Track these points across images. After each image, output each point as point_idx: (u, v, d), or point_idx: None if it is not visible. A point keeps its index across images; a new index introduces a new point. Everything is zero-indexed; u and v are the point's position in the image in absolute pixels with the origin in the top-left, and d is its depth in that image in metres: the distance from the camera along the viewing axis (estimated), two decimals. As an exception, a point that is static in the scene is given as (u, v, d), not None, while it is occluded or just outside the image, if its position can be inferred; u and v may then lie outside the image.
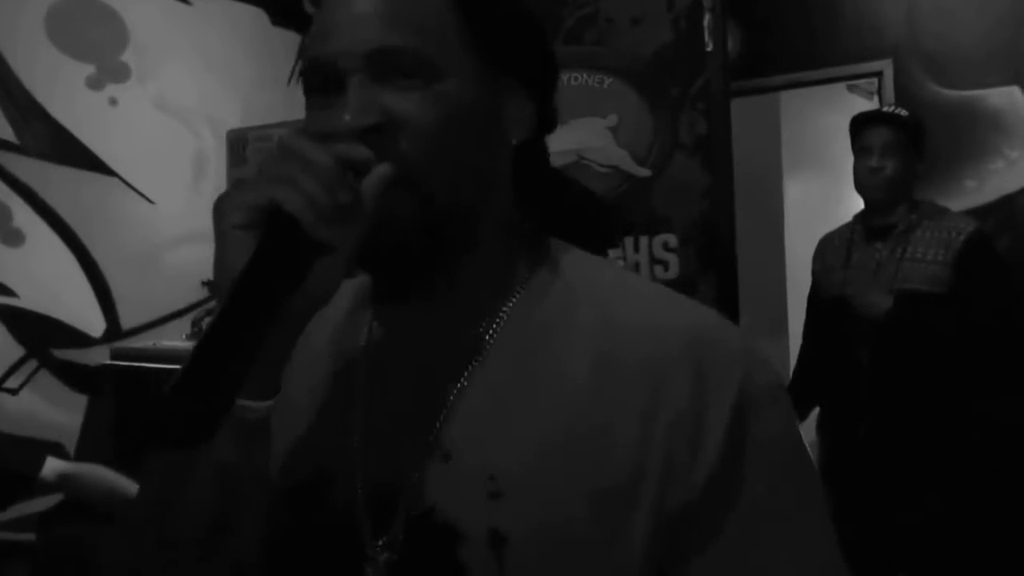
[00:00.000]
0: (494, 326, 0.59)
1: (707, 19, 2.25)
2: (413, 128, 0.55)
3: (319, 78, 0.58)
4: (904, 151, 2.09)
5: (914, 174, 2.12)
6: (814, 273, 2.32)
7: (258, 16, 2.75)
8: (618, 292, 0.61)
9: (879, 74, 2.91)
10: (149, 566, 0.57)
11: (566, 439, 0.55)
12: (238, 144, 2.06)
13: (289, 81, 2.76)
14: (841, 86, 3.38)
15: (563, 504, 0.54)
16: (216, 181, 2.40)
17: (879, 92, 2.93)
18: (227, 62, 2.64)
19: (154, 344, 2.19)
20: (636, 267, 2.11)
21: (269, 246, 0.51)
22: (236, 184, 0.55)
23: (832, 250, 2.26)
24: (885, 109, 2.15)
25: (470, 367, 0.59)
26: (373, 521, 0.58)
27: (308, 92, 0.59)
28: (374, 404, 0.61)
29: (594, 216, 0.70)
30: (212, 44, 2.63)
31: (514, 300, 0.60)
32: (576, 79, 2.48)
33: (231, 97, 2.60)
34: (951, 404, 1.98)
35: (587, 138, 2.77)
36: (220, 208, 0.53)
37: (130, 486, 1.42)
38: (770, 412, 0.56)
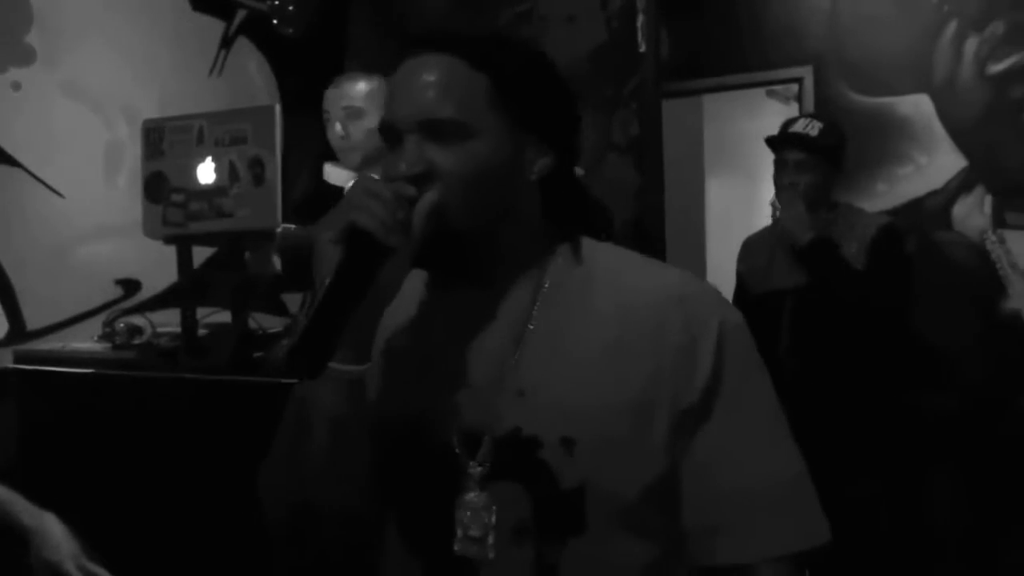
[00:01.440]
0: (537, 303, 0.82)
1: (640, 20, 2.28)
2: (448, 176, 0.78)
3: (388, 133, 0.82)
4: (817, 167, 2.15)
5: (831, 183, 2.19)
6: (739, 274, 2.38)
7: (177, 1, 2.62)
8: (625, 264, 0.86)
9: (800, 80, 3.01)
10: (290, 495, 0.83)
11: (604, 367, 0.79)
12: (154, 135, 1.94)
13: (211, 71, 2.65)
14: (761, 91, 3.49)
15: (609, 412, 0.77)
16: (131, 173, 2.26)
17: (799, 98, 3.04)
18: (143, 48, 2.50)
19: (63, 346, 2.06)
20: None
21: (352, 252, 0.74)
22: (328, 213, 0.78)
23: (756, 251, 2.32)
24: (795, 129, 2.19)
25: (524, 332, 0.81)
26: (464, 448, 0.79)
27: (385, 140, 0.84)
28: (454, 362, 0.82)
29: (599, 217, 0.93)
30: (127, 28, 2.48)
31: (549, 281, 0.83)
32: (509, 76, 2.50)
33: (147, 85, 2.46)
34: (867, 393, 2.06)
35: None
36: (315, 230, 0.78)
37: (28, 514, 1.32)
38: (739, 339, 0.82)
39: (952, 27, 2.89)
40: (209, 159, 1.92)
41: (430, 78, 0.79)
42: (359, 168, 2.17)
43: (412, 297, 0.86)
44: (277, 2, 2.52)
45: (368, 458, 0.82)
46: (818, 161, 2.15)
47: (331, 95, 2.16)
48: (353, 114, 2.12)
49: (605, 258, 0.86)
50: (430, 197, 0.77)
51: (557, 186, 0.84)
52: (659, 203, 2.31)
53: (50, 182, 2.34)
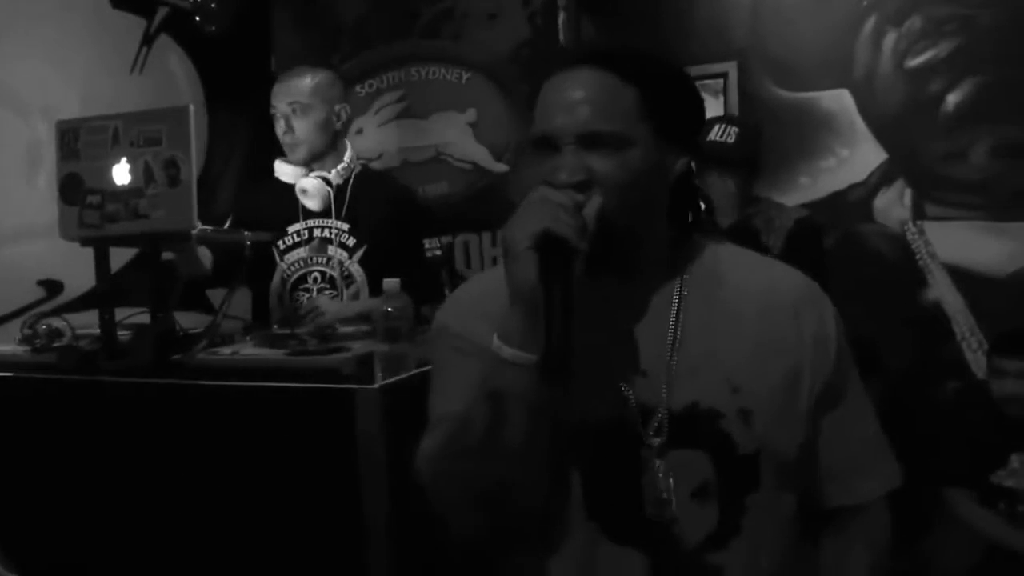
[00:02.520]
0: (680, 290, 0.95)
1: (561, 17, 2.30)
2: (607, 182, 0.88)
3: (543, 144, 0.90)
4: (737, 167, 2.21)
5: (751, 181, 2.25)
6: None
7: (97, -1, 2.58)
8: (752, 263, 1.02)
9: (724, 75, 3.06)
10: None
11: (756, 351, 0.93)
12: (69, 136, 1.93)
13: (132, 69, 2.62)
14: (693, 84, 3.53)
15: (771, 388, 0.93)
16: (51, 174, 2.23)
17: (724, 93, 3.09)
18: (63, 47, 2.46)
19: (-18, 349, 2.04)
20: (493, 261, 2.13)
21: (550, 257, 0.82)
22: (512, 220, 0.86)
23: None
24: (712, 137, 2.23)
25: (674, 316, 0.94)
26: (642, 422, 0.91)
27: (536, 148, 0.92)
28: (618, 347, 0.93)
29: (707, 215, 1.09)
30: (46, 27, 2.44)
31: (688, 273, 0.96)
32: (434, 74, 2.49)
33: (68, 84, 2.43)
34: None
35: (446, 133, 2.78)
36: (508, 238, 0.85)
37: None
38: (842, 330, 0.99)
39: (871, 22, 2.96)
40: (124, 160, 1.92)
41: (586, 93, 0.88)
42: (306, 163, 2.18)
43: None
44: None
45: (546, 437, 0.91)
46: (737, 161, 2.21)
47: (277, 91, 2.17)
48: (299, 109, 2.13)
49: (728, 256, 1.01)
50: (596, 201, 0.87)
51: (683, 187, 0.96)
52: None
53: (-33, 184, 2.31)
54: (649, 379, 0.92)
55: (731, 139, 2.21)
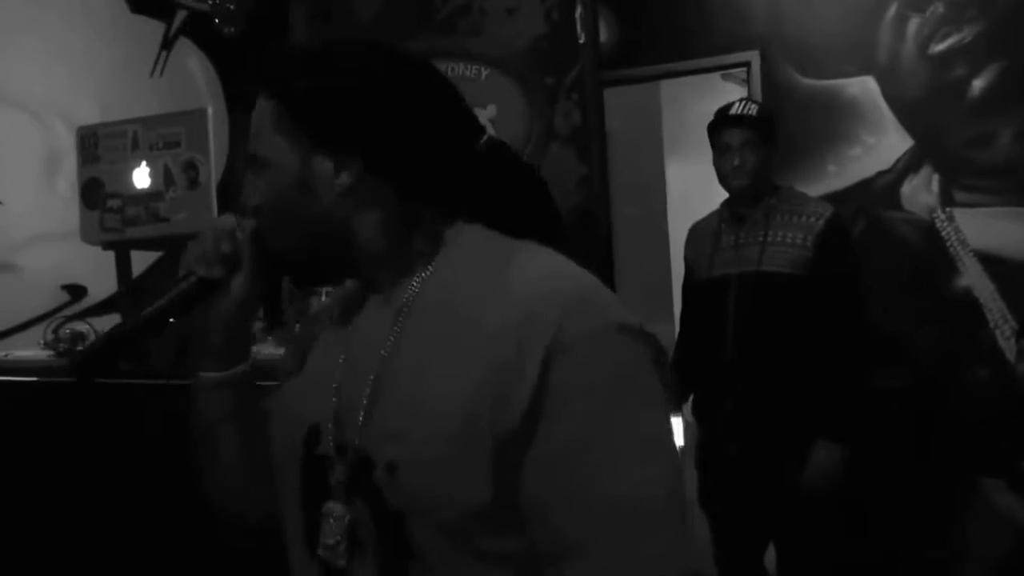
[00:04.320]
0: (405, 305, 0.81)
1: (579, 11, 2.28)
2: (259, 205, 0.84)
3: None
4: (761, 145, 2.18)
5: (771, 163, 2.22)
6: (686, 260, 2.40)
7: (116, 3, 2.58)
8: (489, 260, 0.80)
9: (747, 64, 3.02)
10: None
11: (437, 383, 0.74)
12: (89, 141, 1.94)
13: (152, 72, 2.63)
14: (716, 74, 3.50)
15: (431, 435, 0.73)
16: (72, 179, 2.25)
17: (748, 82, 3.05)
18: (82, 52, 2.47)
19: (7, 355, 2.05)
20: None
21: (184, 283, 0.85)
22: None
23: (701, 237, 2.34)
24: (735, 111, 2.21)
25: (390, 342, 0.80)
26: (336, 458, 0.81)
27: None
28: (345, 373, 0.83)
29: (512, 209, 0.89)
30: (64, 32, 2.45)
31: (420, 287, 0.81)
32: (453, 70, 2.47)
33: (87, 89, 2.43)
34: (817, 372, 2.08)
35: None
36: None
37: None
38: (584, 353, 0.71)
39: (894, 8, 2.91)
40: (144, 164, 1.92)
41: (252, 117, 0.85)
42: None
43: (343, 302, 0.91)
44: (218, 1, 2.50)
45: (258, 458, 0.90)
46: (760, 138, 2.17)
47: None
48: None
49: (476, 251, 0.81)
50: (247, 225, 0.85)
51: (391, 188, 0.81)
52: (604, 192, 2.32)
53: (-11, 190, 2.32)
54: (352, 414, 0.80)
55: (752, 112, 2.19)
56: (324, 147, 0.80)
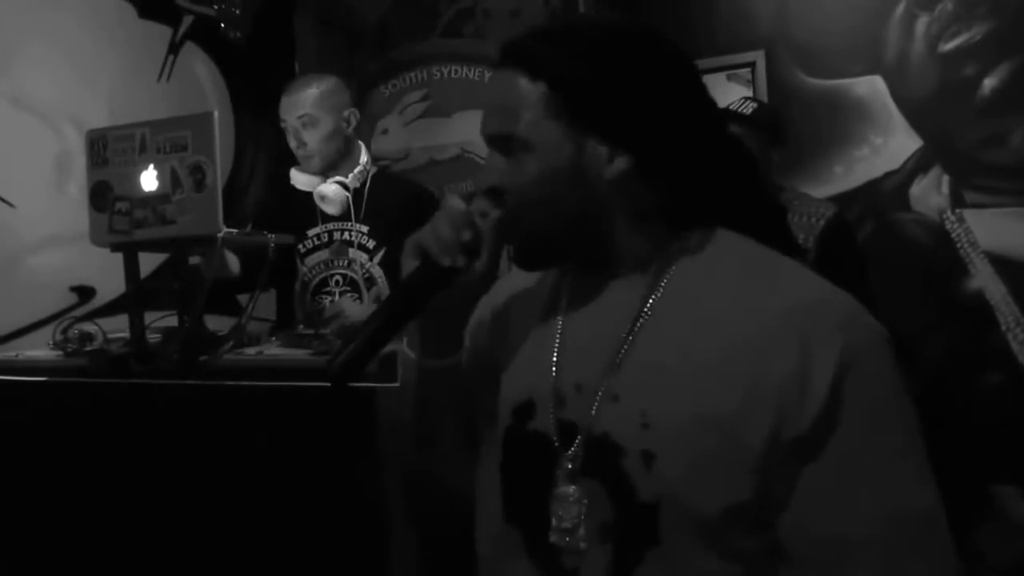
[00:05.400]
0: (652, 298, 0.81)
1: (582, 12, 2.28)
2: (512, 188, 0.82)
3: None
4: (753, 144, 2.17)
5: (768, 163, 2.20)
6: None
7: (124, 8, 2.62)
8: (754, 264, 0.80)
9: (752, 64, 3.01)
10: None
11: (702, 377, 0.75)
12: (98, 144, 1.96)
13: (159, 77, 2.66)
14: (722, 74, 3.48)
15: (694, 428, 0.74)
16: (82, 182, 2.28)
17: (753, 82, 3.03)
18: (91, 57, 2.51)
19: (17, 355, 2.08)
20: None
21: (421, 268, 0.82)
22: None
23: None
24: (731, 107, 2.21)
25: (634, 329, 0.80)
26: (561, 440, 0.81)
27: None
28: (566, 353, 0.84)
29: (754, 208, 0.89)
30: (74, 38, 2.49)
31: (670, 276, 0.81)
32: (456, 72, 2.49)
33: (96, 93, 2.47)
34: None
35: (470, 131, 2.79)
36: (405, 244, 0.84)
37: None
38: (868, 364, 0.73)
39: (902, 6, 2.88)
40: (151, 167, 1.94)
41: (495, 95, 0.83)
42: (321, 172, 2.20)
43: (548, 282, 0.91)
44: (224, 6, 2.53)
45: (455, 432, 0.93)
46: (754, 135, 2.16)
47: (285, 104, 2.19)
48: (308, 122, 2.15)
49: (733, 255, 0.81)
50: (493, 214, 0.82)
51: (657, 180, 0.81)
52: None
53: (0, 193, 2.36)
54: (582, 395, 0.81)
55: (748, 111, 2.18)
56: (599, 133, 0.79)
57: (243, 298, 2.55)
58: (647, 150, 0.80)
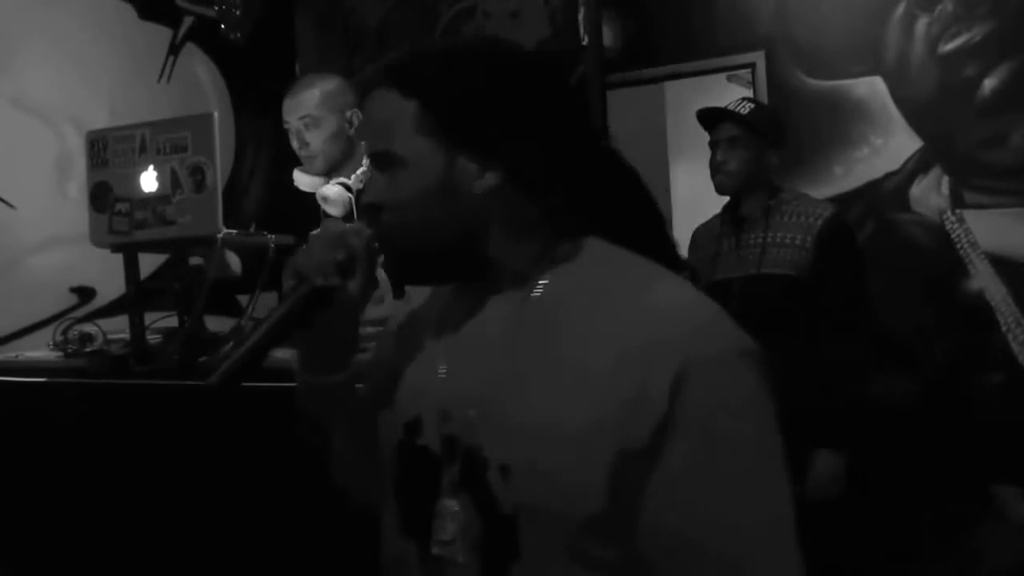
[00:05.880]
0: (523, 312, 0.82)
1: (582, 13, 2.28)
2: (388, 204, 0.84)
3: None
4: (749, 144, 2.16)
5: (766, 164, 2.19)
6: (689, 264, 2.40)
7: (124, 9, 2.63)
8: (619, 276, 0.81)
9: (752, 65, 3.01)
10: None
11: (560, 390, 0.76)
12: (98, 145, 1.96)
13: (160, 78, 2.66)
14: (722, 75, 3.49)
15: (549, 441, 0.75)
16: (82, 183, 2.28)
17: (753, 83, 3.04)
18: (91, 58, 2.51)
19: (16, 356, 2.08)
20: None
21: (298, 290, 0.86)
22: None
23: (704, 241, 2.33)
24: (727, 106, 2.21)
25: (505, 343, 0.81)
26: (445, 455, 0.83)
27: None
28: (450, 368, 0.85)
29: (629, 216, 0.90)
30: (74, 39, 2.49)
31: (541, 289, 0.82)
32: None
33: (96, 94, 2.47)
34: (824, 376, 2.06)
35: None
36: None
37: None
38: (710, 378, 0.73)
39: (902, 7, 2.89)
40: (151, 168, 1.94)
41: (371, 113, 0.85)
42: (325, 173, 2.19)
43: (443, 298, 0.92)
44: (224, 7, 2.53)
45: (368, 445, 0.93)
46: (750, 137, 2.16)
47: (287, 106, 2.19)
48: (311, 123, 2.15)
49: (599, 265, 0.82)
50: (365, 232, 0.86)
51: (532, 193, 0.82)
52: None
53: (1, 194, 2.36)
54: (462, 410, 0.82)
55: (744, 111, 2.18)
56: (469, 149, 0.81)
57: (243, 298, 2.55)
58: (516, 165, 0.81)
